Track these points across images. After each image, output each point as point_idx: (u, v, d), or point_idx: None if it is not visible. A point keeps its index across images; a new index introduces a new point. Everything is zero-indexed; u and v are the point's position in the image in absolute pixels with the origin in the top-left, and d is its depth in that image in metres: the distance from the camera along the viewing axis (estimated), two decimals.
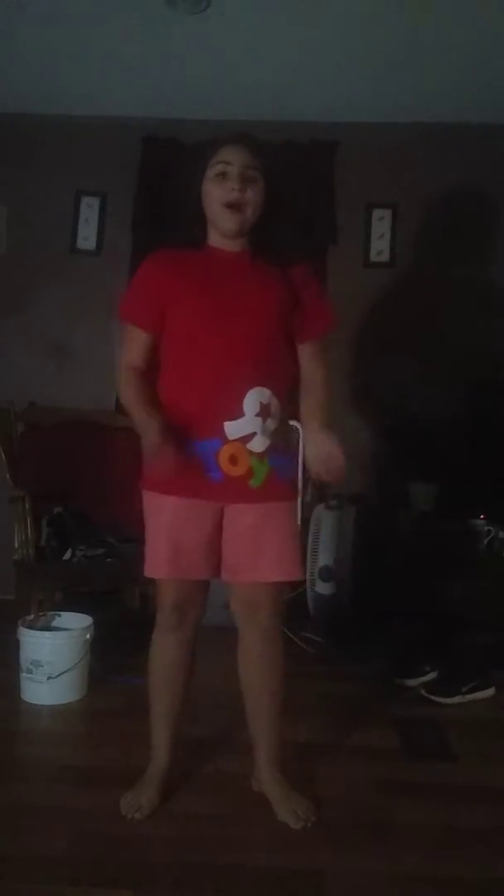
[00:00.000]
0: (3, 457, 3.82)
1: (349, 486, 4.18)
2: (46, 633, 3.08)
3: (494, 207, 4.29)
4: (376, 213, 4.39)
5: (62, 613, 3.28)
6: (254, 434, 2.09)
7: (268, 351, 2.12)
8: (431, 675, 3.32)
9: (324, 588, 3.87)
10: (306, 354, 2.24)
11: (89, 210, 4.47)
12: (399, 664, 3.40)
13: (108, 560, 3.70)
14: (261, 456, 2.12)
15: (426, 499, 3.92)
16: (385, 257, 4.39)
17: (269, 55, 3.71)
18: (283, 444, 2.17)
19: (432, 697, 3.16)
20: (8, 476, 3.78)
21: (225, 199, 2.08)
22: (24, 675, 3.03)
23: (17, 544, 3.61)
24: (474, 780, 2.54)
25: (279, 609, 2.26)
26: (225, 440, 2.08)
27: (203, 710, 2.91)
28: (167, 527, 2.14)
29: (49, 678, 2.98)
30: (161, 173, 4.37)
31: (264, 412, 2.10)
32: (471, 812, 2.34)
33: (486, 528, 3.58)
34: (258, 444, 2.11)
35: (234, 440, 2.08)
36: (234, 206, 2.08)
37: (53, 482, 3.85)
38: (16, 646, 3.06)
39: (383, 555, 3.71)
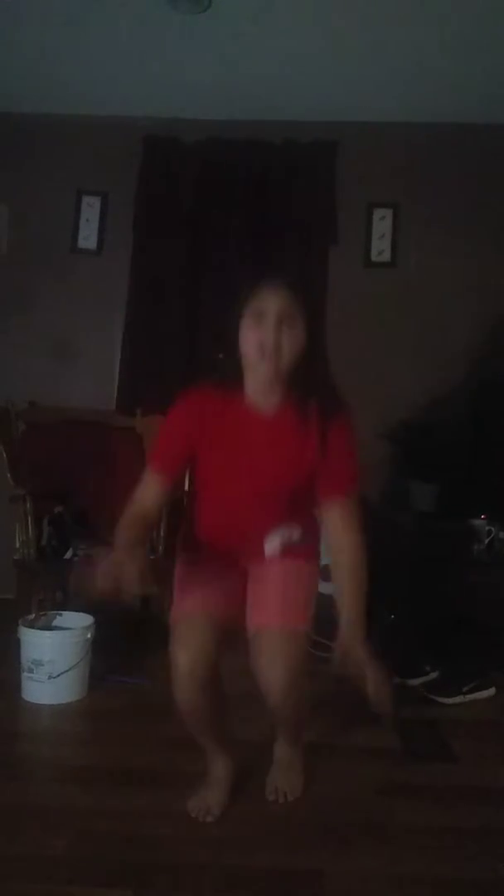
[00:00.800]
0: (4, 456, 3.81)
1: None
2: (47, 633, 3.08)
3: (495, 207, 4.29)
4: (377, 212, 4.39)
5: (63, 613, 3.28)
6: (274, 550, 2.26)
7: (291, 504, 2.21)
8: (432, 675, 3.32)
9: (324, 588, 3.86)
10: (329, 515, 2.20)
11: (90, 209, 4.47)
12: (399, 664, 3.40)
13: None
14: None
15: (427, 499, 3.92)
16: (386, 257, 4.39)
17: (270, 55, 3.71)
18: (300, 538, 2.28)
19: (433, 697, 3.16)
20: (9, 475, 3.77)
21: (259, 342, 2.03)
22: (24, 674, 3.03)
23: (17, 544, 3.61)
24: (474, 781, 2.54)
25: (300, 661, 2.22)
26: (244, 554, 2.28)
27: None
28: (196, 577, 2.30)
29: (50, 677, 2.98)
30: (162, 172, 4.38)
31: (284, 542, 2.24)
32: (471, 813, 2.34)
33: (486, 528, 3.58)
34: (274, 550, 2.25)
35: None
36: (269, 351, 2.04)
37: (54, 482, 3.85)
38: (17, 645, 3.07)
39: (383, 554, 3.71)
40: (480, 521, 3.59)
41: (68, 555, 3.66)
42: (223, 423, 2.14)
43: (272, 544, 2.22)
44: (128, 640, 3.64)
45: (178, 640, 2.15)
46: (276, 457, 2.14)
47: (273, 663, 2.11)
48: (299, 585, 2.25)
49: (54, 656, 2.99)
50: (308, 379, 2.12)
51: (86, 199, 4.47)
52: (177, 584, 2.34)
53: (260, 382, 2.11)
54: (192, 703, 2.15)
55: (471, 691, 3.18)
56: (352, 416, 2.18)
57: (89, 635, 3.10)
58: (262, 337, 2.02)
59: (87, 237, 4.49)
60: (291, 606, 2.20)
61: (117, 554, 2.00)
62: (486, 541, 3.54)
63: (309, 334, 2.09)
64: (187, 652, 2.11)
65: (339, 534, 2.16)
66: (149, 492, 2.19)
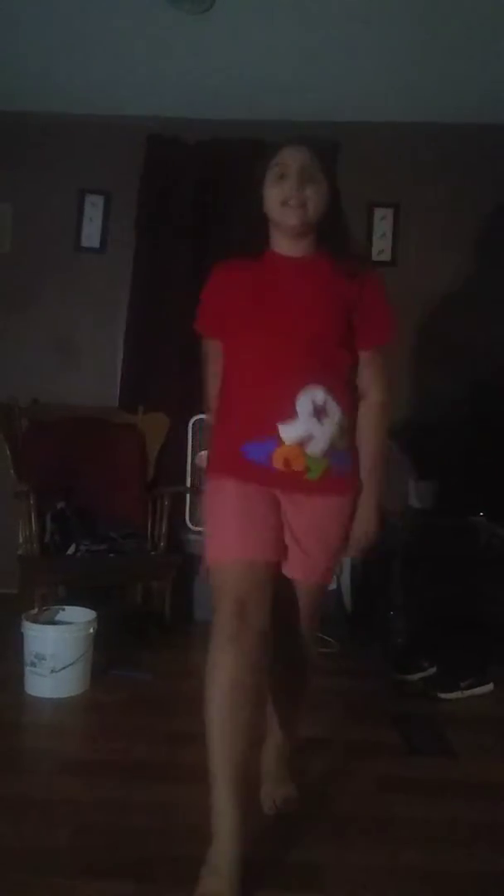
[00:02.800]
0: (8, 453, 3.84)
1: None
2: (50, 627, 3.10)
3: (496, 207, 4.30)
4: (378, 212, 4.41)
5: (66, 608, 3.30)
6: (311, 436, 1.99)
7: (323, 352, 2.04)
8: (430, 671, 3.35)
9: None
10: (362, 362, 2.14)
11: (93, 208, 4.49)
12: (398, 660, 3.43)
13: (111, 555, 3.73)
14: (318, 458, 2.01)
15: (426, 496, 3.94)
16: (387, 256, 4.41)
17: (272, 55, 3.73)
18: (345, 445, 2.07)
19: (432, 693, 3.18)
20: (12, 471, 3.81)
21: (284, 196, 2.03)
22: (28, 668, 3.05)
23: (21, 539, 3.64)
24: (473, 776, 2.56)
25: (316, 612, 2.20)
26: (280, 443, 1.98)
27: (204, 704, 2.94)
28: (234, 504, 2.02)
29: (52, 671, 3.00)
30: (164, 172, 4.39)
31: (319, 413, 1.99)
32: (470, 807, 2.36)
33: (485, 526, 3.59)
34: (316, 447, 2.00)
35: (291, 444, 1.98)
36: (288, 203, 2.03)
37: (57, 478, 3.87)
38: (20, 639, 3.09)
39: (383, 552, 3.73)
40: (479, 519, 3.61)
41: (71, 550, 3.69)
42: (249, 280, 2.10)
43: (304, 405, 1.98)
44: (130, 634, 3.67)
45: (222, 616, 1.94)
46: (299, 301, 2.05)
47: (308, 614, 2.16)
48: (340, 536, 2.11)
49: (57, 650, 3.01)
50: (337, 232, 2.14)
51: (89, 199, 4.49)
52: (211, 517, 2.08)
53: (288, 236, 2.09)
54: (233, 722, 1.90)
55: (469, 687, 3.19)
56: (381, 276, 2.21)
57: (91, 630, 3.13)
58: (286, 190, 2.02)
59: (90, 236, 4.51)
60: (331, 565, 2.15)
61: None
62: (485, 538, 3.56)
63: (332, 191, 2.10)
64: (234, 644, 1.90)
65: (368, 386, 2.15)
66: (217, 357, 2.18)
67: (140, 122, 4.38)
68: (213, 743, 1.90)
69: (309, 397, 1.99)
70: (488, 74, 3.80)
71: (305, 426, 1.98)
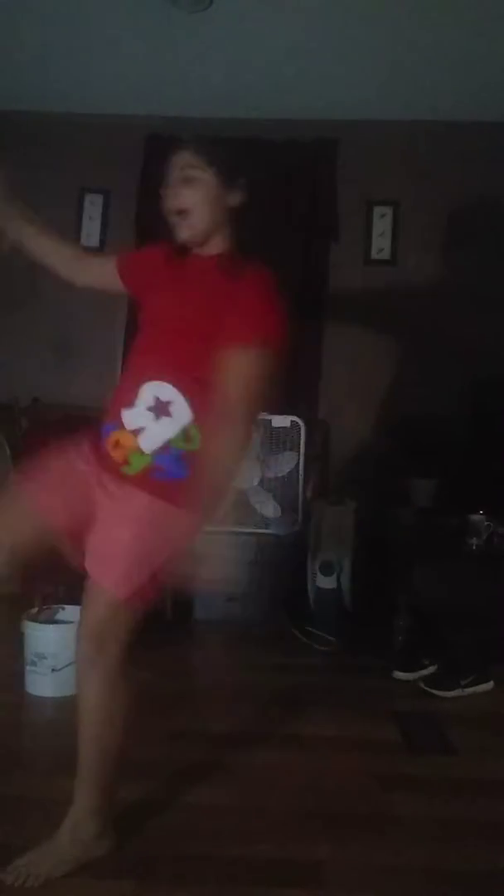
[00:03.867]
0: (8, 452, 3.84)
1: (350, 482, 4.22)
2: (50, 626, 3.10)
3: (495, 205, 4.30)
4: (377, 210, 4.41)
5: (66, 607, 3.30)
6: (143, 428, 1.94)
7: (185, 353, 1.95)
8: (431, 669, 3.35)
9: (325, 582, 3.90)
10: (223, 360, 1.93)
11: (93, 207, 4.50)
12: (399, 658, 3.43)
13: None
14: (144, 452, 1.94)
15: (426, 494, 3.94)
16: (386, 255, 4.42)
17: (270, 53, 3.73)
18: (190, 450, 1.94)
19: (431, 691, 3.19)
20: (13, 471, 3.80)
21: (166, 206, 2.06)
22: (28, 667, 3.05)
23: None
24: (474, 774, 2.56)
25: (105, 628, 1.98)
26: (120, 426, 1.96)
27: (204, 702, 2.95)
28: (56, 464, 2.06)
29: (53, 670, 3.00)
30: (164, 171, 4.38)
31: (160, 408, 1.93)
32: (470, 805, 2.36)
33: (485, 524, 3.59)
34: (146, 442, 1.94)
35: (129, 430, 1.95)
36: (177, 213, 2.04)
37: None
38: (20, 638, 3.09)
39: (383, 550, 3.74)
40: (479, 517, 3.61)
41: None
42: (164, 271, 2.10)
43: (145, 397, 1.94)
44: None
45: None
46: (182, 303, 2.01)
47: (87, 623, 2.01)
48: (125, 539, 1.93)
49: (57, 649, 3.01)
50: (234, 233, 2.09)
51: (88, 197, 4.49)
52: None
53: (186, 244, 2.07)
54: None
55: (469, 685, 3.20)
56: (270, 277, 2.00)
57: None
58: (168, 198, 2.06)
59: (90, 235, 4.51)
60: (125, 573, 1.91)
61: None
62: (485, 536, 3.56)
63: (223, 189, 2.05)
64: None
65: (223, 388, 1.91)
66: (97, 258, 2.24)
67: (139, 120, 4.39)
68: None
69: (152, 391, 1.94)
70: (488, 72, 3.80)
71: (141, 417, 1.95)
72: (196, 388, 1.93)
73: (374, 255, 4.41)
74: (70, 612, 3.26)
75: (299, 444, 4.11)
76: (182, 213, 2.02)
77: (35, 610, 3.25)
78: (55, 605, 3.33)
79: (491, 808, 2.35)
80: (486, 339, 4.22)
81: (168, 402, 1.93)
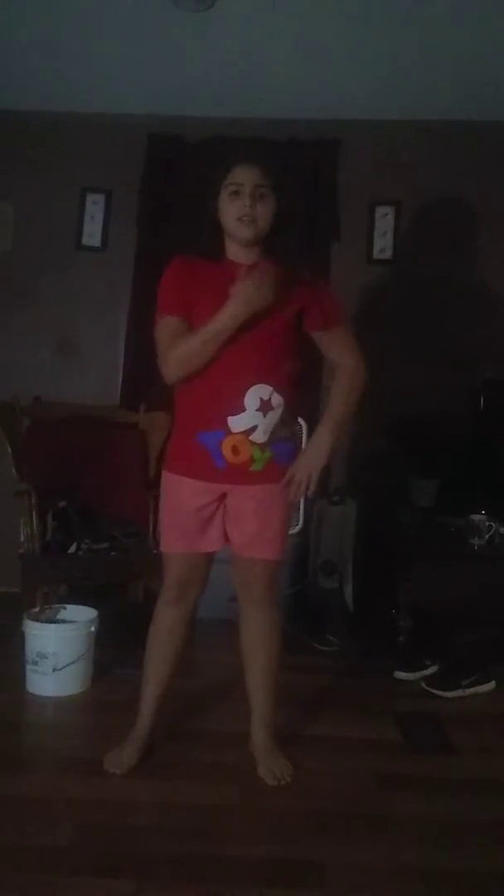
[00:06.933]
0: (9, 451, 3.84)
1: (351, 481, 4.22)
2: (51, 626, 3.11)
3: (496, 205, 4.30)
4: (379, 210, 4.40)
5: (67, 606, 3.31)
6: (255, 427, 2.31)
7: (271, 351, 2.33)
8: (432, 669, 3.35)
9: (326, 582, 3.90)
10: (329, 342, 2.46)
11: (94, 207, 4.48)
12: (400, 658, 3.43)
13: (113, 554, 3.73)
14: (262, 446, 2.34)
15: (427, 494, 3.94)
16: (388, 255, 4.41)
17: (272, 53, 3.72)
18: (286, 433, 2.42)
19: (433, 691, 3.19)
20: (14, 470, 3.80)
21: (239, 213, 2.30)
22: (29, 666, 3.06)
23: (22, 538, 3.64)
24: (474, 774, 2.57)
25: (271, 584, 2.50)
26: (228, 432, 2.31)
27: (205, 701, 2.95)
28: (177, 507, 2.43)
29: (54, 670, 3.01)
30: (166, 170, 4.39)
31: (264, 407, 2.31)
32: (471, 805, 2.37)
33: (486, 524, 3.59)
34: (260, 436, 2.33)
35: (238, 433, 2.31)
36: (246, 220, 2.31)
37: (58, 477, 3.87)
38: (22, 638, 3.10)
39: (384, 549, 3.74)
40: (480, 517, 3.61)
41: (72, 549, 3.69)
42: (208, 282, 2.34)
43: (252, 400, 2.29)
44: (132, 633, 3.67)
45: (167, 591, 2.53)
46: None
47: (250, 589, 2.50)
48: (280, 519, 2.45)
49: (58, 649, 3.02)
50: (281, 243, 2.41)
51: (90, 197, 4.48)
52: (162, 510, 2.52)
53: (240, 248, 2.37)
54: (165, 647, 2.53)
55: (471, 685, 3.20)
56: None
57: (93, 628, 3.14)
58: (241, 208, 2.30)
59: (92, 234, 4.50)
60: (277, 541, 2.45)
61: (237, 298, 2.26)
62: (486, 536, 3.56)
63: (278, 207, 2.36)
64: (172, 607, 2.52)
65: (340, 357, 2.46)
66: (168, 338, 2.34)
67: (141, 120, 4.38)
68: (148, 667, 2.56)
69: (257, 393, 2.30)
70: (490, 73, 3.79)
71: (252, 418, 2.31)
72: (283, 379, 2.35)
73: (376, 254, 4.40)
74: (71, 611, 3.27)
75: (301, 444, 4.09)
76: (253, 221, 2.31)
77: (36, 609, 3.26)
78: (56, 605, 3.34)
79: (491, 808, 2.36)
80: (488, 338, 4.22)
81: (269, 400, 2.31)
